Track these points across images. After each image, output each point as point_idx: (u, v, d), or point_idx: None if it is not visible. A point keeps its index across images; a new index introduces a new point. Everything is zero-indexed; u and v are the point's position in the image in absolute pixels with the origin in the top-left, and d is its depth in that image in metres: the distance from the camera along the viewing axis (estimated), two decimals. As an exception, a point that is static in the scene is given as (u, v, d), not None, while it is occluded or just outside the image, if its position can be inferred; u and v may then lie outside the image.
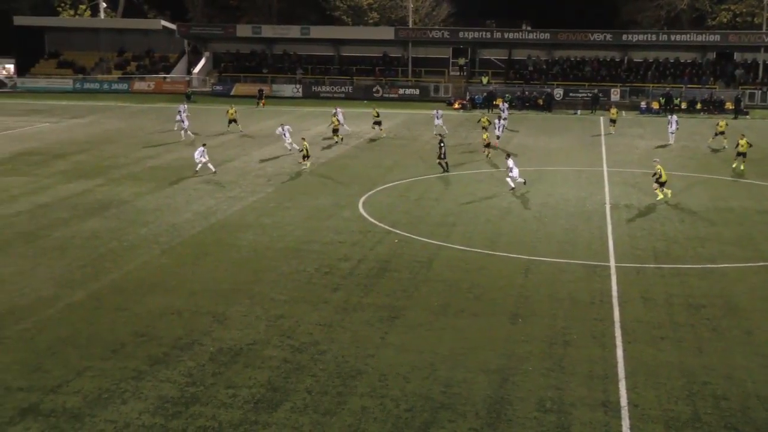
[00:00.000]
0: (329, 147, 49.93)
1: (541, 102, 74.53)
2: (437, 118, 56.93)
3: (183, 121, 53.37)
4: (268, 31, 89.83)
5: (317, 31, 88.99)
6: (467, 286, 23.80)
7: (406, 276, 24.75)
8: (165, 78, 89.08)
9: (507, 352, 19.02)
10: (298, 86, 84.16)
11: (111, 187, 37.43)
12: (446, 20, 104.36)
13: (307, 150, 42.33)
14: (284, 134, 47.60)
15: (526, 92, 77.01)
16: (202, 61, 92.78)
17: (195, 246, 27.98)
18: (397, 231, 29.92)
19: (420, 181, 39.56)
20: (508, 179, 36.65)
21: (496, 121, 52.77)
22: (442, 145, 41.66)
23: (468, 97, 76.86)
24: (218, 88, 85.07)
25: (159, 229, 29.91)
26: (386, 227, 30.48)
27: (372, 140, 53.19)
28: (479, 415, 16.01)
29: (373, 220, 31.52)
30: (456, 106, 75.58)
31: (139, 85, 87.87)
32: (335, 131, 52.31)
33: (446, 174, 40.96)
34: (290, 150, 46.66)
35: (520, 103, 74.81)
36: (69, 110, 70.11)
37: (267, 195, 36.06)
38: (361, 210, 33.26)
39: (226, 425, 15.51)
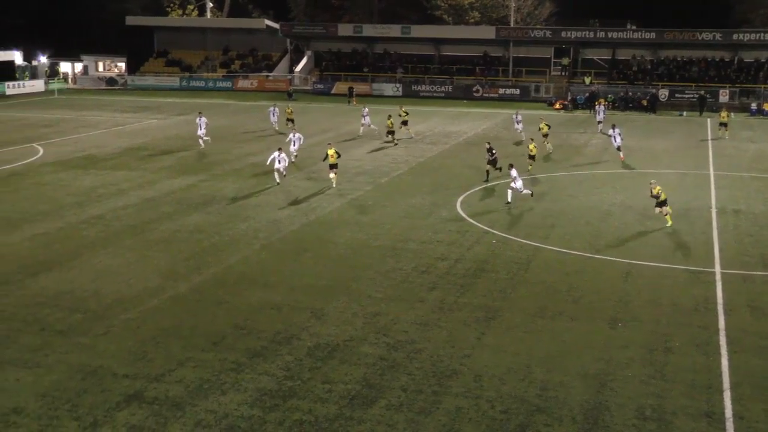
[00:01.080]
0: (426, 145, 49.87)
1: (645, 103, 72.77)
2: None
3: (274, 121, 55.11)
4: (369, 30, 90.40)
5: (418, 30, 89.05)
6: (566, 289, 23.44)
7: (503, 277, 24.55)
8: (267, 76, 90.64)
9: (605, 357, 18.66)
10: (397, 85, 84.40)
11: (214, 182, 38.31)
12: (548, 19, 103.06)
13: (392, 125, 49.18)
14: (363, 117, 53.61)
15: (630, 93, 75.33)
16: (304, 60, 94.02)
17: (294, 242, 28.39)
18: (495, 231, 29.70)
19: (519, 182, 39.13)
20: (509, 191, 33.81)
21: (611, 131, 45.37)
22: (492, 152, 38.91)
23: (569, 98, 75.69)
24: (319, 86, 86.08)
25: (259, 225, 30.45)
26: (484, 227, 30.29)
27: (402, 139, 51.37)
28: (576, 420, 15.75)
29: (470, 220, 31.37)
30: (557, 106, 74.55)
31: (242, 83, 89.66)
32: (390, 133, 50.70)
33: (488, 184, 38.10)
34: (366, 129, 52.31)
35: (623, 104, 73.25)
36: (175, 107, 72.09)
37: (365, 193, 36.31)
38: (459, 209, 33.14)
39: (322, 419, 15.68)
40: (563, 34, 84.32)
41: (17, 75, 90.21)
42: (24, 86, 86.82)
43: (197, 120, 49.15)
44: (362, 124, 53.95)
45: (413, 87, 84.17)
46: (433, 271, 25.02)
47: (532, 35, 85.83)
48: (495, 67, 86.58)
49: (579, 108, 73.34)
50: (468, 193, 36.13)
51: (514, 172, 34.11)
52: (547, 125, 48.00)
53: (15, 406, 16.07)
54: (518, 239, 28.65)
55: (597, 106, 59.78)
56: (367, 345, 19.29)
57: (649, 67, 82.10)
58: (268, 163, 38.00)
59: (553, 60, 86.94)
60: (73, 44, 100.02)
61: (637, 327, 20.59)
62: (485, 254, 26.87)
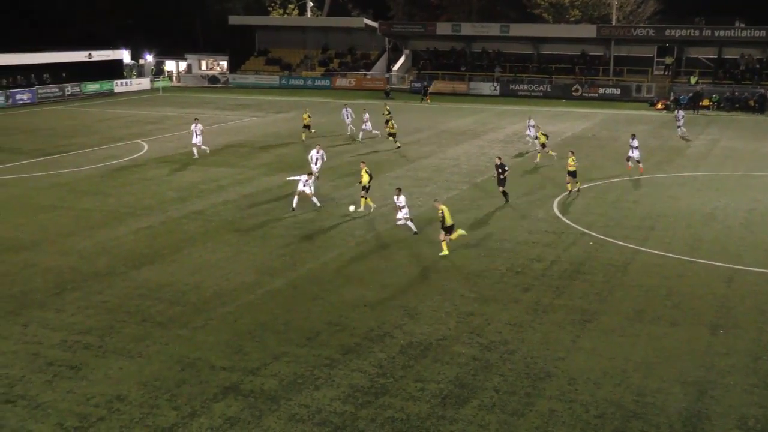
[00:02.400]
0: (523, 145, 49.39)
1: (752, 103, 70.33)
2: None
3: (348, 120, 52.88)
4: (467, 28, 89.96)
5: (517, 29, 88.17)
6: (665, 293, 22.87)
7: (600, 279, 24.11)
8: (365, 75, 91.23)
9: (706, 364, 18.12)
10: (495, 84, 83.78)
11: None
12: (651, 17, 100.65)
13: (393, 127, 47.81)
14: (364, 122, 50.55)
15: (736, 93, 72.91)
16: (402, 59, 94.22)
17: (389, 240, 28.50)
18: (592, 233, 29.19)
19: (618, 183, 38.39)
20: (399, 217, 28.94)
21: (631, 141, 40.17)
22: (503, 169, 33.76)
23: (672, 97, 73.74)
24: (416, 85, 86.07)
25: (354, 222, 30.68)
26: (581, 229, 29.81)
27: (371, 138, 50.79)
28: (673, 428, 15.35)
29: (567, 221, 30.92)
30: (659, 106, 72.72)
31: (340, 82, 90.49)
32: (392, 135, 48.66)
33: (506, 203, 33.87)
34: (367, 134, 50.60)
35: (729, 105, 70.97)
36: (275, 105, 73.30)
37: (461, 192, 36.18)
38: (556, 210, 32.70)
39: (414, 418, 15.70)
40: (667, 32, 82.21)
41: (125, 73, 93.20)
42: (131, 84, 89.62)
43: (193, 127, 44.81)
44: (362, 129, 51.03)
45: (511, 86, 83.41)
46: (528, 272, 24.76)
47: (635, 33, 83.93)
48: (595, 66, 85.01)
49: (682, 108, 71.35)
50: (565, 193, 35.60)
51: (401, 201, 28.64)
52: (544, 135, 44.14)
53: (118, 394, 16.63)
54: (616, 241, 28.09)
55: (677, 112, 56.26)
56: (460, 345, 19.22)
57: (758, 66, 79.28)
58: (289, 178, 34.36)
59: (655, 59, 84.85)
60: (177, 43, 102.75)
61: (740, 334, 19.93)
62: (582, 256, 26.43)
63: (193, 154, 44.51)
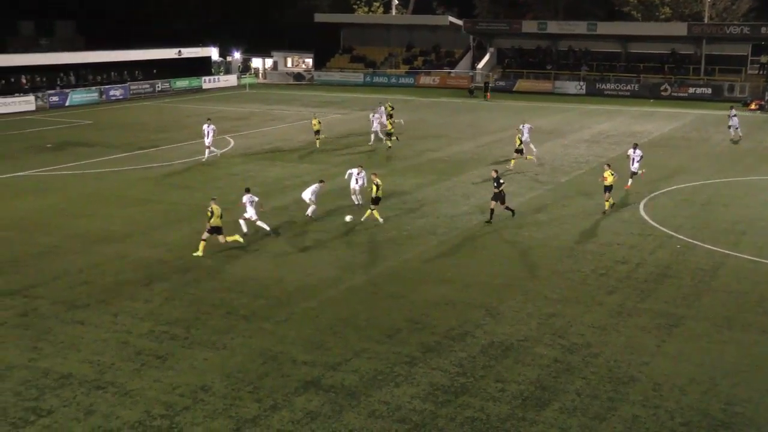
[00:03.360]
0: (609, 145, 48.54)
1: None
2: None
3: (376, 127, 50.14)
4: (553, 27, 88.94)
5: (604, 27, 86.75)
6: (756, 300, 22.20)
7: (687, 283, 23.54)
8: (450, 73, 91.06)
9: (799, 375, 17.53)
10: (581, 83, 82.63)
11: (394, 177, 38.87)
12: (746, 15, 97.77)
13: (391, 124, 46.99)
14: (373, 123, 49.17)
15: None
16: (486, 57, 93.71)
17: (471, 239, 28.39)
18: (680, 236, 28.52)
19: (708, 185, 37.42)
20: (242, 221, 28.09)
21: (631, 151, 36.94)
22: (498, 183, 30.31)
23: (766, 98, 71.49)
24: (500, 83, 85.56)
25: (437, 221, 30.65)
26: (668, 231, 29.15)
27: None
28: (763, 439, 14.90)
29: (653, 223, 30.27)
30: (752, 106, 70.63)
31: (424, 80, 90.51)
32: (389, 135, 47.52)
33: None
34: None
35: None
36: (358, 102, 73.70)
37: (544, 192, 35.78)
38: (642, 212, 32.05)
39: (494, 418, 15.61)
40: (763, 30, 79.77)
41: (213, 70, 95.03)
42: (219, 81, 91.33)
43: (205, 128, 43.23)
44: (372, 131, 49.49)
45: (597, 85, 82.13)
46: (612, 274, 24.34)
47: (728, 32, 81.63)
48: (685, 66, 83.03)
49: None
50: (652, 195, 34.89)
51: (246, 198, 28.03)
52: (520, 139, 41.40)
53: (203, 384, 16.97)
54: (705, 245, 27.38)
55: (730, 111, 53.38)
56: (542, 346, 19.02)
57: None
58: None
59: (750, 58, 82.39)
60: (264, 41, 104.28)
61: (836, 344, 19.22)
62: (668, 259, 25.85)
63: (206, 156, 43.00)
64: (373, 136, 49.45)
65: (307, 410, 15.90)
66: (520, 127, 43.66)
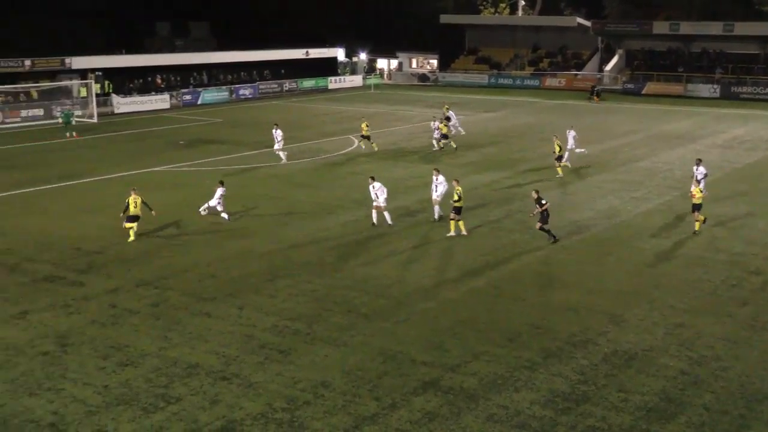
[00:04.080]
0: (743, 151, 46.62)
1: None
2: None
3: (436, 137, 47.92)
4: (686, 27, 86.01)
5: (742, 28, 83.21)
6: None
7: (827, 298, 22.38)
8: (576, 75, 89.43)
9: None
10: (715, 86, 79.63)
11: (517, 179, 38.49)
12: None
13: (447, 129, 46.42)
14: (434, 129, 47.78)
15: None
16: (615, 59, 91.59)
17: (595, 244, 27.80)
18: (820, 248, 27.13)
19: None
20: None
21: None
22: (541, 204, 27.63)
23: None
24: (629, 86, 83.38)
25: (560, 225, 30.10)
26: (807, 242, 27.79)
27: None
28: None
29: (791, 234, 28.91)
30: None
31: (550, 82, 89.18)
32: (445, 137, 47.15)
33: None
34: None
35: None
36: (483, 104, 73.31)
37: (673, 198, 34.66)
38: (779, 221, 30.67)
39: (616, 429, 15.23)
40: None
41: (339, 71, 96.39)
42: (344, 81, 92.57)
43: (274, 132, 43.77)
44: (435, 138, 47.64)
45: (733, 88, 78.95)
46: (745, 286, 23.37)
47: None
48: (830, 67, 78.91)
49: None
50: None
51: (219, 191, 30.58)
52: (559, 146, 39.60)
53: (323, 380, 17.22)
54: None
55: None
56: (668, 357, 18.43)
57: None
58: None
59: None
60: (389, 42, 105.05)
61: None
62: (807, 272, 24.64)
63: (281, 159, 43.21)
64: (443, 141, 47.84)
65: (426, 411, 15.91)
66: (567, 133, 42.75)
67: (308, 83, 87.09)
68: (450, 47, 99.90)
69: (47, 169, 41.38)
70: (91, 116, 62.23)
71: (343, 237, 28.54)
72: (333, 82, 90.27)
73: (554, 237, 27.68)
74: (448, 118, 50.60)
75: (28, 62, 65.55)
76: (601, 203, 33.57)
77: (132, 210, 27.82)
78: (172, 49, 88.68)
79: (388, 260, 25.86)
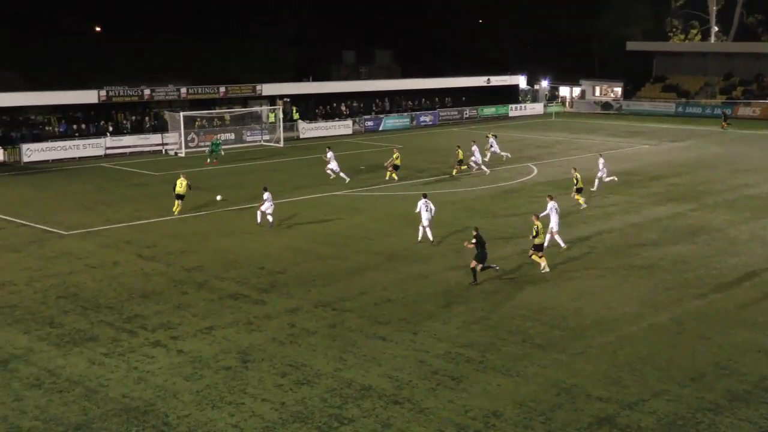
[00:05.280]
0: None
1: None
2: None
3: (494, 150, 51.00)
4: None
5: None
6: None
7: None
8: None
9: None
10: None
11: (703, 212, 36.86)
12: None
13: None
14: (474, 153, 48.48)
15: None
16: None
17: (789, 283, 26.13)
18: None
19: None
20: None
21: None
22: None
23: None
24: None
25: (751, 260, 28.58)
26: None
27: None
28: None
29: None
30: None
31: (743, 111, 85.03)
32: (460, 162, 47.83)
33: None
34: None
35: None
36: (669, 133, 70.79)
37: None
38: None
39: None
40: None
41: (520, 98, 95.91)
42: (525, 109, 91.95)
43: (328, 155, 46.06)
44: (474, 163, 48.33)
45: None
46: None
47: None
48: None
49: None
50: None
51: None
52: (577, 178, 37.85)
53: (495, 410, 17.05)
54: None
55: None
56: None
57: None
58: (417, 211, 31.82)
59: None
60: (572, 69, 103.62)
61: None
62: None
63: (330, 175, 45.43)
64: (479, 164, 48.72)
65: (600, 448, 15.44)
66: (599, 161, 42.72)
67: (489, 110, 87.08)
68: (636, 75, 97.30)
69: (239, 190, 43.36)
70: (278, 141, 64.94)
71: (519, 266, 28.23)
72: (513, 110, 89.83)
73: (476, 280, 25.94)
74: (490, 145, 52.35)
75: (222, 89, 69.17)
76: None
77: (177, 189, 36.19)
78: (357, 77, 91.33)
79: (565, 291, 25.35)
